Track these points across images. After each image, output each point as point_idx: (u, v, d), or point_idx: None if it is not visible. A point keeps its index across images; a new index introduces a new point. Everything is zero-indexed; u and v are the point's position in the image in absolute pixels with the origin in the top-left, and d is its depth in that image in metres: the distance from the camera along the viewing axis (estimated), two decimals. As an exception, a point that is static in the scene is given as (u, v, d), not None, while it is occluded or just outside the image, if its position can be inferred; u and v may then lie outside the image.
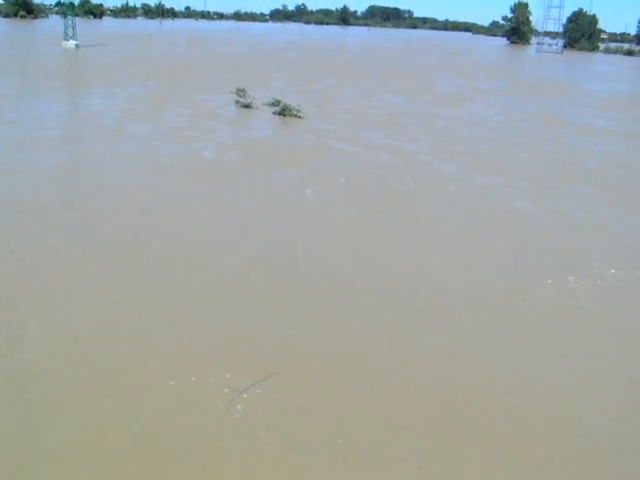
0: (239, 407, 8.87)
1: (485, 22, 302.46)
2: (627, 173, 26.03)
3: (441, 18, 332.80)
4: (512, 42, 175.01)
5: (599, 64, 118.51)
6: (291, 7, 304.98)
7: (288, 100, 34.02)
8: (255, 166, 22.71)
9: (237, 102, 35.09)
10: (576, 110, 46.23)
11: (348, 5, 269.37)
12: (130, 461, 7.85)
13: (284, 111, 33.07)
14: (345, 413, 8.97)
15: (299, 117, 32.65)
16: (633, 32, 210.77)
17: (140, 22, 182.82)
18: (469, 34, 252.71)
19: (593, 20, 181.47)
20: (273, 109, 33.67)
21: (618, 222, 19.03)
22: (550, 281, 13.96)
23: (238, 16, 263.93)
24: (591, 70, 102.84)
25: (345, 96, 42.91)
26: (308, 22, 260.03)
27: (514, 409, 9.43)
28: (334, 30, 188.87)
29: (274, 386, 9.37)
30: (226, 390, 9.20)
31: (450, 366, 10.39)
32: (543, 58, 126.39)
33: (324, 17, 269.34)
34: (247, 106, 34.61)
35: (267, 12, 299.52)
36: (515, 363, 10.65)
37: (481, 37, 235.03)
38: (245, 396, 9.09)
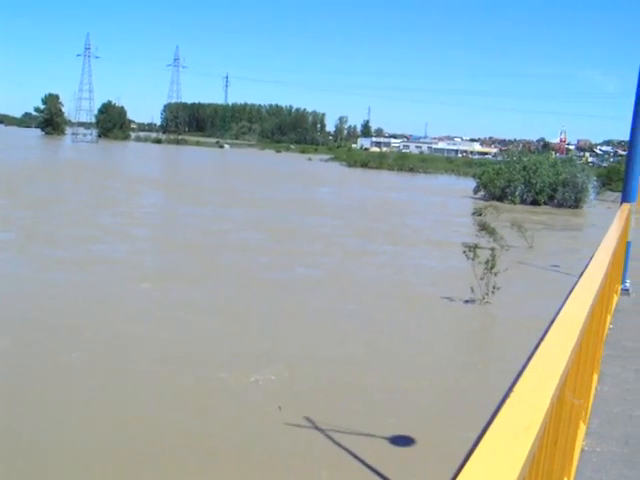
0: None
1: (17, 113, 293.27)
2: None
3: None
4: (47, 133, 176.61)
5: (123, 151, 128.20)
6: None
7: None
8: None
9: None
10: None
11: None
12: None
13: None
14: None
15: None
16: (158, 123, 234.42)
17: None
18: (1, 126, 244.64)
19: (122, 111, 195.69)
20: None
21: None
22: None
23: None
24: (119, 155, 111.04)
25: None
26: None
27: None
28: None
29: None
30: None
31: None
32: (79, 147, 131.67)
33: None
34: None
35: None
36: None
37: (14, 128, 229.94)
38: None
